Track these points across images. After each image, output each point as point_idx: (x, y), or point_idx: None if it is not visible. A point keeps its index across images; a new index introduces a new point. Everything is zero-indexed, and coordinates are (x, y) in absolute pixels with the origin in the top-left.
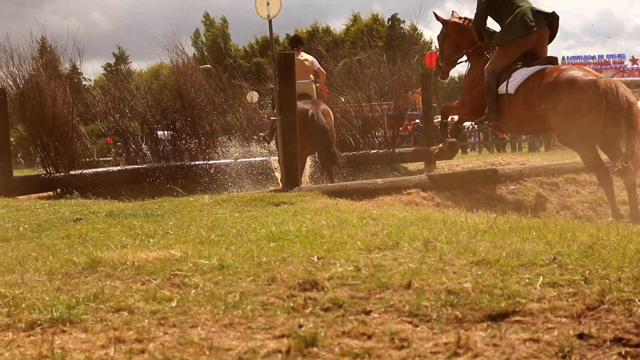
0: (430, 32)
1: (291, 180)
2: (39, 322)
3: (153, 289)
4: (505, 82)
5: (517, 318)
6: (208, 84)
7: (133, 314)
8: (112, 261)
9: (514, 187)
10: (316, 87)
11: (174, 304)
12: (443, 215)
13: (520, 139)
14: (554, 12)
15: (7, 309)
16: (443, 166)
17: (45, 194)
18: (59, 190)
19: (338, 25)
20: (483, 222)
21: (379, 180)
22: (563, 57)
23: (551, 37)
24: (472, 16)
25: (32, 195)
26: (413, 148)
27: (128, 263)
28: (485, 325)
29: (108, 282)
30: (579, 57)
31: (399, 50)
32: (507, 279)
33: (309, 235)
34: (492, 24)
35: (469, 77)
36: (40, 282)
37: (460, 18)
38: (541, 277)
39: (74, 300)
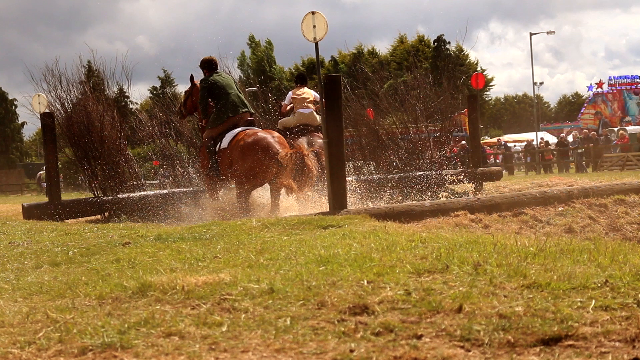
0: (476, 54)
1: (338, 203)
2: (90, 347)
3: (203, 313)
4: (219, 142)
5: (570, 342)
6: (254, 108)
7: (184, 339)
8: (162, 285)
9: (562, 208)
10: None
11: (224, 328)
12: (492, 237)
13: (568, 159)
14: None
15: (59, 334)
16: (490, 188)
17: (93, 217)
18: (106, 213)
19: (383, 47)
20: (533, 244)
21: (426, 203)
22: (609, 77)
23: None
24: None
25: (80, 218)
26: (460, 169)
27: (178, 287)
28: (538, 349)
29: (158, 307)
30: (625, 77)
31: (444, 72)
32: (559, 302)
33: (358, 258)
34: None
35: (202, 151)
36: (91, 306)
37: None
38: (593, 301)
39: (125, 325)
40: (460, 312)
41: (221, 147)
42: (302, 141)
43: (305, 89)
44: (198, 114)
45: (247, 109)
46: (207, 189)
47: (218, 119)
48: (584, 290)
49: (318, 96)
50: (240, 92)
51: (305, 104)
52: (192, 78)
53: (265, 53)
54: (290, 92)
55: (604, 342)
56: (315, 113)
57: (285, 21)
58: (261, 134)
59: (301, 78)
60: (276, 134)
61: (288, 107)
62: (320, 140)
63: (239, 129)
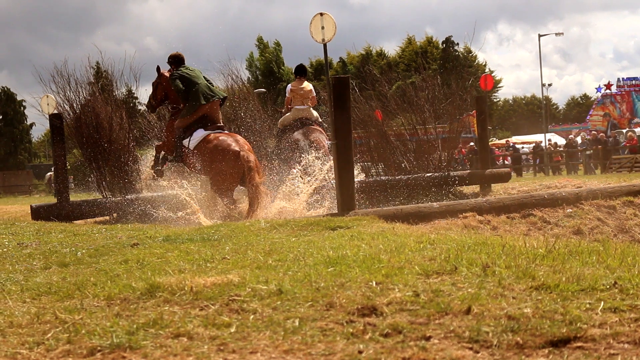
0: (484, 55)
1: (346, 204)
2: (99, 348)
3: (212, 314)
4: (188, 138)
5: (579, 344)
6: (263, 109)
7: (192, 339)
8: (171, 286)
9: (570, 210)
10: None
11: (233, 329)
12: (501, 239)
13: (576, 161)
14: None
15: (68, 335)
16: (499, 189)
17: (101, 218)
18: (115, 214)
19: (391, 48)
20: (542, 246)
21: (435, 204)
22: (618, 79)
23: (221, 103)
24: None
25: (89, 219)
26: (468, 171)
27: (186, 288)
28: (546, 351)
29: (167, 308)
30: (634, 79)
31: (453, 73)
32: (568, 304)
33: (366, 260)
34: None
35: (169, 125)
36: (99, 307)
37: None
38: (602, 303)
39: (133, 326)
40: (468, 314)
41: (189, 146)
42: (299, 133)
43: (305, 83)
44: (170, 101)
45: (217, 96)
46: (154, 162)
47: (191, 108)
48: (593, 292)
49: (313, 90)
50: (208, 82)
51: (303, 100)
52: (158, 69)
53: (273, 54)
54: (289, 85)
55: (613, 344)
56: (311, 109)
57: (294, 22)
58: (222, 137)
59: (300, 70)
60: (239, 137)
61: (290, 105)
62: (317, 133)
63: (206, 133)
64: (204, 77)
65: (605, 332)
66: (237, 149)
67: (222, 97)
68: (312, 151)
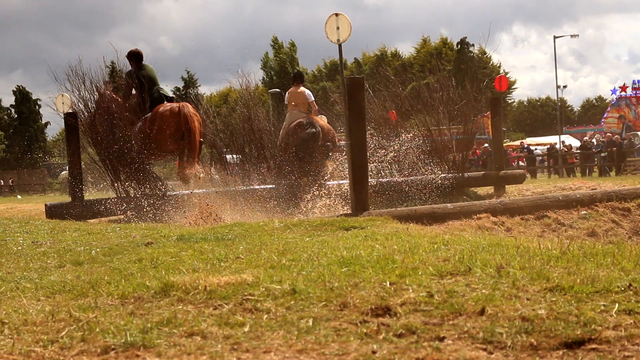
0: (499, 56)
1: (360, 204)
2: (113, 346)
3: (225, 313)
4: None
5: (593, 346)
6: (276, 111)
7: (206, 338)
8: (184, 285)
9: (585, 212)
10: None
11: (246, 329)
12: (515, 240)
13: (591, 163)
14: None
15: (82, 333)
16: (513, 191)
17: (115, 217)
18: (129, 213)
19: (406, 49)
20: (556, 247)
21: (449, 205)
22: (633, 81)
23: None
24: None
25: (103, 218)
26: (482, 172)
27: (200, 287)
28: (561, 353)
29: (180, 307)
30: None
31: (467, 74)
32: (582, 305)
33: (380, 260)
34: None
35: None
36: (113, 306)
37: (111, 92)
38: (617, 305)
39: (147, 324)
40: (482, 315)
41: (135, 131)
42: (300, 119)
43: (301, 89)
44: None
45: (166, 98)
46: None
47: (143, 106)
48: (608, 294)
49: (311, 96)
50: (161, 86)
51: (297, 106)
52: (97, 89)
53: (288, 55)
54: (288, 91)
55: (628, 346)
56: (304, 114)
57: (309, 23)
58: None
59: (296, 77)
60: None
61: (287, 110)
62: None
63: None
64: (157, 80)
65: (619, 334)
66: (177, 105)
67: (170, 98)
68: (318, 129)
